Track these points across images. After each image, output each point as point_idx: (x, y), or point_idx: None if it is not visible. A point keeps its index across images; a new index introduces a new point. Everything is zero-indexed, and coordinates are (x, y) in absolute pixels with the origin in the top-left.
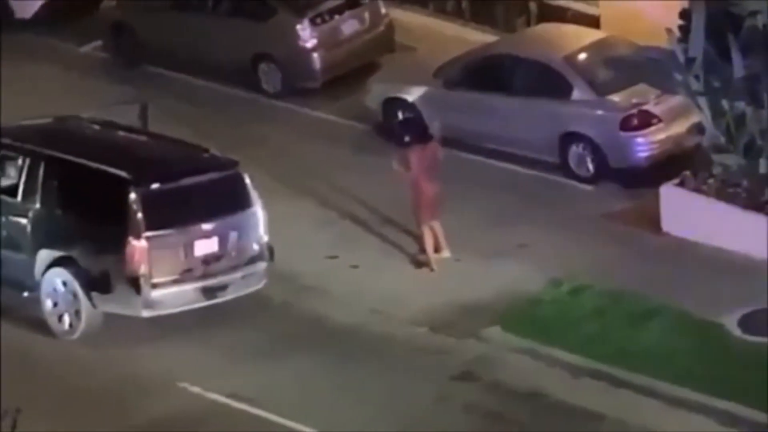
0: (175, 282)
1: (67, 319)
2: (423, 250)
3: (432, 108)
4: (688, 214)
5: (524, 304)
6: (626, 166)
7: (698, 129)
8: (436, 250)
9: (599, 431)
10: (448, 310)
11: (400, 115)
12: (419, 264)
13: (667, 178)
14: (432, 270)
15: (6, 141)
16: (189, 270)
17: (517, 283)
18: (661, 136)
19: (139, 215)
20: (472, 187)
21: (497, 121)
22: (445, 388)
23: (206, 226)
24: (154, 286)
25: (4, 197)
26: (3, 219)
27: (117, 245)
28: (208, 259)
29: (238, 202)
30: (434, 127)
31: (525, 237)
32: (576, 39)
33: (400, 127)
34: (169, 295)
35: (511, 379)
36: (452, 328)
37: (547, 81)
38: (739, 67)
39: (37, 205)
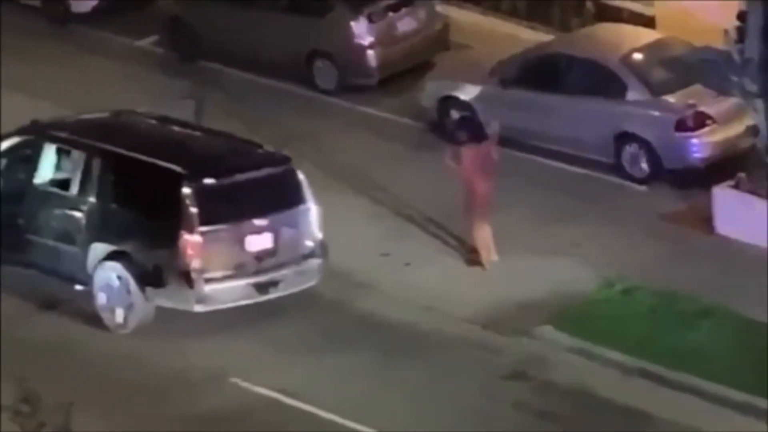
0: (227, 277)
1: (119, 312)
2: (475, 249)
3: (487, 106)
4: (741, 215)
5: (576, 303)
6: (680, 166)
7: (753, 131)
8: (484, 255)
9: (648, 431)
10: (500, 309)
11: (455, 114)
12: (471, 262)
13: (721, 179)
14: (484, 268)
15: (62, 135)
16: (242, 265)
17: (570, 282)
18: (716, 137)
19: (193, 210)
20: (525, 185)
21: (552, 120)
22: (496, 386)
23: (259, 222)
24: (207, 281)
25: (59, 191)
26: (58, 212)
27: (170, 240)
28: (261, 255)
29: (292, 198)
30: (493, 127)
31: (578, 236)
32: (632, 39)
33: (455, 126)
34: (222, 291)
35: (562, 378)
36: (504, 327)
37: (603, 81)
38: None
39: (92, 199)
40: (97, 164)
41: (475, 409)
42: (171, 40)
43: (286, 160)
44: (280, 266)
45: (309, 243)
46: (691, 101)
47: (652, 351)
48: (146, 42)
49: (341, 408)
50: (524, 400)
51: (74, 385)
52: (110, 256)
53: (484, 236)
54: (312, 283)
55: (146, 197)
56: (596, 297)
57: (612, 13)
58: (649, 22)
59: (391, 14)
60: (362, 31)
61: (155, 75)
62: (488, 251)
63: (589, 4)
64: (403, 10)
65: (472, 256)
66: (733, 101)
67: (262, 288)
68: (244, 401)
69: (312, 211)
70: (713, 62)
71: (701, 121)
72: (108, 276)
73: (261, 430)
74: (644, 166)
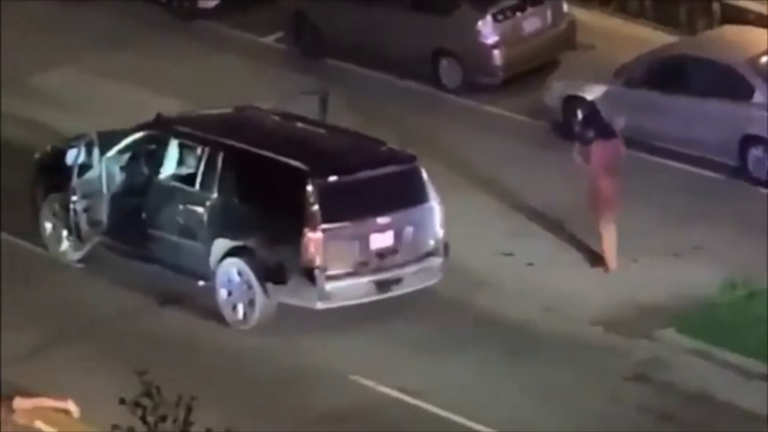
0: (349, 274)
1: (241, 308)
2: (599, 250)
3: (612, 107)
4: None
5: (699, 306)
6: None
7: None
8: (608, 256)
9: None
10: (623, 310)
11: (580, 114)
12: (595, 262)
13: None
14: (607, 269)
15: (185, 130)
16: (364, 263)
17: (692, 285)
18: None
19: (316, 207)
20: (648, 187)
21: (676, 121)
22: (618, 388)
23: (382, 220)
24: (329, 278)
25: (183, 186)
26: (180, 208)
27: (293, 236)
28: (383, 253)
29: (415, 196)
30: (619, 123)
31: (701, 239)
32: (759, 41)
33: (583, 122)
34: (344, 288)
35: (684, 380)
36: (626, 329)
37: (729, 83)
38: None
39: (215, 195)
40: (220, 160)
41: (598, 410)
42: (295, 36)
43: (410, 158)
44: (401, 264)
45: (431, 241)
46: None
47: None
48: (271, 38)
49: (462, 407)
50: (646, 402)
51: (195, 379)
52: (232, 252)
53: (609, 237)
54: (433, 281)
55: (269, 193)
56: (719, 300)
57: (738, 14)
58: None
59: (517, 14)
60: (488, 30)
61: (279, 71)
62: (612, 252)
63: (715, 6)
64: (530, 10)
65: (595, 256)
66: None
67: (383, 286)
68: (365, 399)
69: (435, 209)
70: None
71: None
72: (229, 272)
73: (381, 428)
74: None
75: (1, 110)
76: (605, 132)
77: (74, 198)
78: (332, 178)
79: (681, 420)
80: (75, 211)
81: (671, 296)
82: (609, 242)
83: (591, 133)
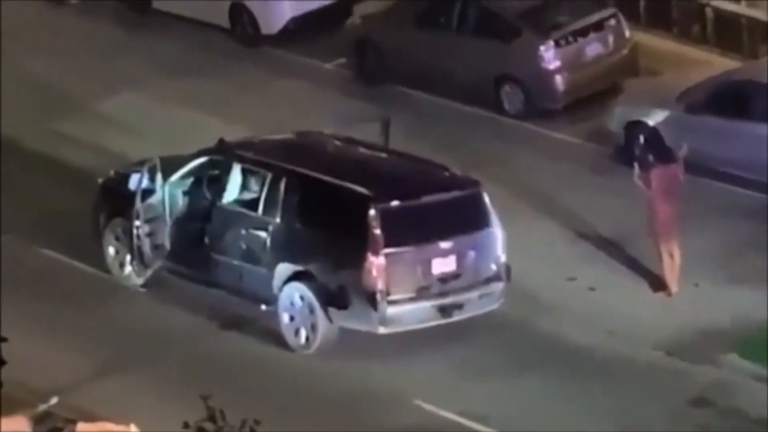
0: (411, 299)
1: (303, 333)
2: (661, 275)
3: (674, 132)
4: None
5: (761, 331)
6: None
7: None
8: (669, 280)
9: None
10: (685, 335)
11: (642, 139)
12: (657, 287)
13: None
14: (669, 294)
15: (249, 155)
16: (426, 288)
17: (755, 310)
18: None
19: (378, 232)
20: (711, 212)
21: (739, 146)
22: (681, 412)
23: (444, 245)
24: (391, 302)
25: (245, 210)
26: (243, 232)
27: (355, 261)
28: (445, 278)
29: (477, 221)
30: (682, 149)
31: (763, 263)
32: None
33: (644, 147)
34: (406, 313)
35: (747, 406)
36: (688, 353)
37: None
38: None
39: (278, 220)
40: (283, 185)
41: None
42: (358, 62)
43: (473, 183)
44: (463, 289)
45: (493, 266)
46: None
47: None
48: (334, 64)
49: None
50: (709, 426)
51: (258, 403)
52: (295, 277)
53: (670, 261)
54: (495, 306)
55: (332, 218)
56: None
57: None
58: None
59: (579, 39)
60: (550, 55)
61: (342, 96)
62: (674, 277)
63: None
64: (592, 35)
65: (657, 281)
66: None
67: (445, 310)
68: (428, 423)
69: (497, 234)
70: None
71: None
72: (292, 296)
73: None
74: None
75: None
76: (666, 157)
77: (137, 222)
78: (394, 203)
79: None
80: (138, 235)
81: (733, 321)
82: (670, 267)
83: (651, 158)
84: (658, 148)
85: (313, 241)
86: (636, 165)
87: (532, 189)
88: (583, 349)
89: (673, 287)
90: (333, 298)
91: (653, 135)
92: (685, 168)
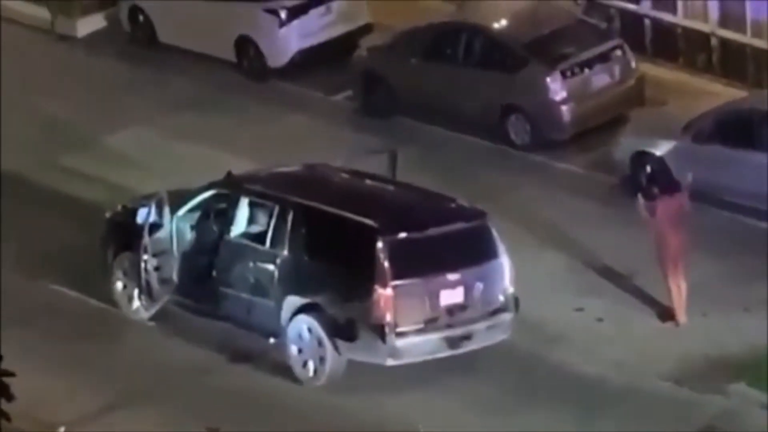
0: (419, 331)
1: (311, 365)
2: (669, 305)
3: (681, 162)
4: None
5: None
6: None
7: None
8: (677, 310)
9: None
10: (693, 364)
11: (648, 169)
12: (665, 317)
13: None
14: (677, 324)
15: (255, 188)
16: (434, 319)
17: (763, 338)
18: None
19: (386, 264)
20: (718, 241)
21: (746, 176)
22: None
23: (452, 276)
24: (399, 334)
25: (253, 243)
26: (251, 265)
27: (363, 293)
28: (452, 309)
29: (485, 252)
30: (686, 179)
31: None
32: None
33: (650, 177)
34: (414, 344)
35: None
36: (697, 383)
37: None
38: None
39: (285, 252)
40: (290, 218)
41: None
42: (364, 94)
43: (479, 214)
44: (471, 320)
45: (500, 297)
46: None
47: None
48: (341, 96)
49: None
50: None
51: None
52: (302, 309)
53: (678, 291)
54: (503, 337)
55: (339, 250)
56: None
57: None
58: None
59: (585, 70)
60: (556, 86)
61: (349, 129)
62: (682, 307)
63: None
64: (598, 66)
65: (665, 311)
66: None
67: (453, 342)
68: None
69: (504, 265)
70: None
71: None
72: (300, 329)
73: None
74: None
75: None
76: (671, 187)
77: (145, 256)
78: (402, 235)
79: None
80: (146, 269)
81: (742, 350)
82: (678, 296)
83: (656, 188)
84: (664, 178)
85: (321, 273)
86: (640, 195)
87: (538, 220)
88: (591, 380)
89: (681, 317)
90: (341, 331)
91: (660, 165)
92: (691, 197)
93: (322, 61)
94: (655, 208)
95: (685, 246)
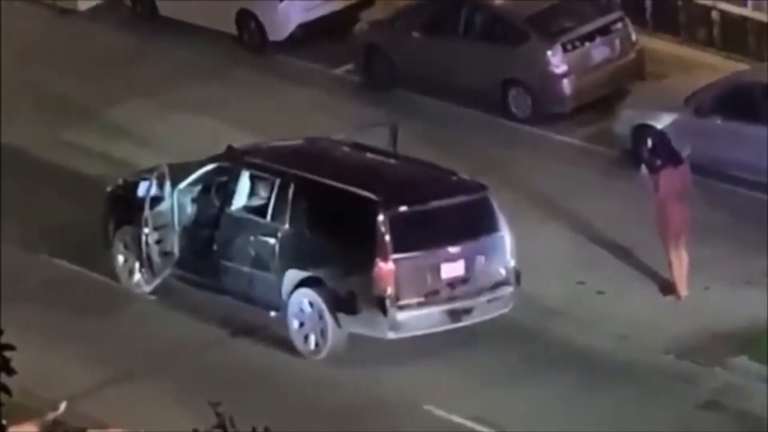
0: (421, 304)
1: (312, 339)
2: (671, 278)
3: (682, 135)
4: None
5: None
6: None
7: None
8: (679, 284)
9: None
10: (695, 338)
11: (649, 142)
12: (666, 290)
13: None
14: (679, 297)
15: (257, 161)
16: (435, 292)
17: (764, 312)
18: None
19: (387, 237)
20: (720, 214)
21: (747, 149)
22: (691, 415)
23: (453, 249)
24: (401, 308)
25: (254, 217)
26: (252, 239)
27: (364, 266)
28: (454, 282)
29: (486, 225)
30: (685, 150)
31: None
32: None
33: (652, 150)
34: (415, 318)
35: (757, 408)
36: (698, 356)
37: None
38: None
39: (286, 226)
40: (291, 191)
41: None
42: (366, 67)
43: (480, 187)
44: (473, 293)
45: (502, 270)
46: None
47: None
48: (342, 70)
49: None
50: (720, 429)
51: (268, 410)
52: (303, 283)
53: (679, 265)
54: (504, 310)
55: (340, 224)
56: None
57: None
58: None
59: (586, 43)
60: (557, 60)
61: (350, 102)
62: (683, 280)
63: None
64: (599, 39)
65: (666, 284)
66: None
67: (454, 315)
68: (438, 429)
69: (505, 238)
70: None
71: None
72: (301, 302)
73: None
74: None
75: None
76: (674, 160)
77: (146, 230)
78: (403, 208)
79: None
80: (147, 243)
81: (743, 324)
82: (680, 270)
83: (659, 161)
84: (666, 151)
85: (322, 246)
86: (643, 167)
87: (539, 193)
88: (593, 353)
89: (683, 290)
90: (342, 304)
91: (661, 138)
92: (692, 171)
93: (323, 34)
94: (657, 181)
95: (686, 219)
